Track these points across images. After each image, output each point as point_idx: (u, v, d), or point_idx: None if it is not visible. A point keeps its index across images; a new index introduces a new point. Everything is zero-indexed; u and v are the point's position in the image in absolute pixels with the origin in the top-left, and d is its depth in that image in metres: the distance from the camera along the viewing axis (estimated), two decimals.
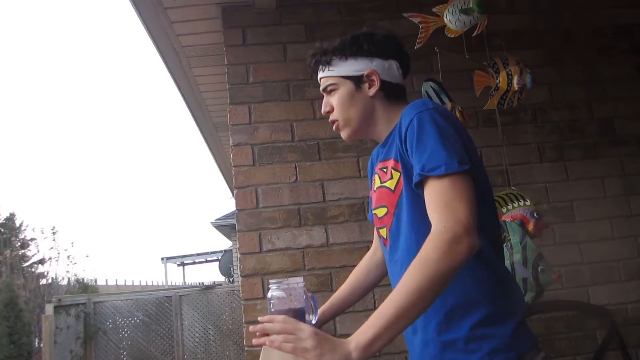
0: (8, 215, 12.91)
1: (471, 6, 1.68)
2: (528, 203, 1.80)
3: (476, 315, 1.01)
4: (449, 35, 1.78)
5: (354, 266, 2.19)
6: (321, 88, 1.23)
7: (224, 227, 11.44)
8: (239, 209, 2.23)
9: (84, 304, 7.40)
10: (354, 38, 1.19)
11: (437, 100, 1.88)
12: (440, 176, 0.96)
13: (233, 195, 2.35)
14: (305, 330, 0.91)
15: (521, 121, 2.42)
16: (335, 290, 2.10)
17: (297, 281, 1.24)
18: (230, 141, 2.29)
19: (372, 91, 1.16)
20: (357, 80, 1.17)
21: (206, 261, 16.73)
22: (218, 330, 7.60)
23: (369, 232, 2.24)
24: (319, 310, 1.39)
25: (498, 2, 2.52)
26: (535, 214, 1.75)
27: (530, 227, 1.73)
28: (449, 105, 1.86)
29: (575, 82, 2.49)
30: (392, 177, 1.13)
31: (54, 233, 11.28)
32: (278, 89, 2.32)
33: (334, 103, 1.20)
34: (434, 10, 1.80)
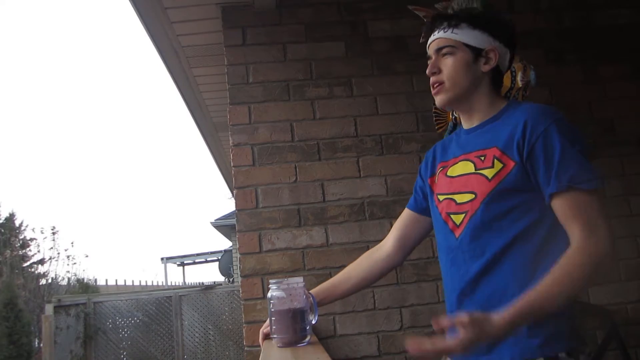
0: (8, 215, 12.90)
1: (475, 5, 1.68)
2: None
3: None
4: None
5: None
6: (434, 48, 1.20)
7: (224, 227, 11.44)
8: (239, 209, 2.23)
9: (84, 304, 7.41)
10: (490, 15, 1.20)
11: None
12: (590, 190, 1.03)
13: (233, 195, 2.35)
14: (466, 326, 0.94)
15: None
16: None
17: (297, 281, 1.24)
18: (230, 141, 2.29)
19: (486, 67, 1.17)
20: (477, 53, 1.17)
21: (206, 261, 16.74)
22: (218, 330, 7.61)
23: (368, 232, 2.24)
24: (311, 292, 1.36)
25: (498, 2, 2.52)
26: None
27: None
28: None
29: (575, 82, 2.49)
30: (492, 167, 1.12)
31: (54, 233, 11.27)
32: (278, 89, 2.32)
33: (445, 64, 1.18)
34: (436, 6, 1.79)
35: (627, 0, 2.58)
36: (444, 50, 1.18)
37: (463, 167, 1.19)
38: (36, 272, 11.63)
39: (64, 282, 10.84)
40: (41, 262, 11.88)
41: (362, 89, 2.34)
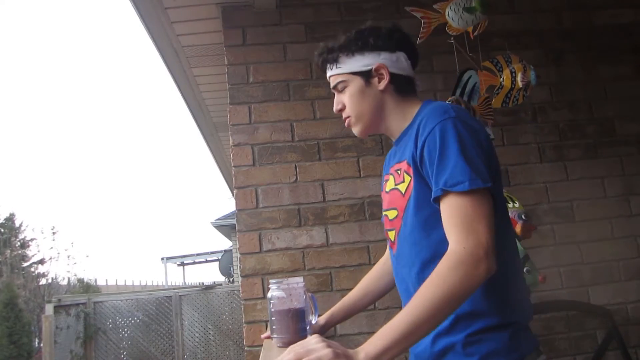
0: (8, 215, 12.90)
1: (474, 5, 1.68)
2: (517, 205, 1.79)
3: (479, 324, 1.01)
4: (450, 32, 1.77)
5: (354, 266, 2.21)
6: (331, 86, 1.22)
7: (224, 227, 11.44)
8: (239, 209, 2.23)
9: (84, 304, 7.41)
10: (359, 33, 1.17)
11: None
12: (462, 192, 0.95)
13: (233, 195, 2.35)
14: (314, 342, 0.91)
15: (521, 121, 2.42)
16: (335, 290, 2.12)
17: (297, 281, 1.24)
18: (230, 141, 2.29)
19: (382, 85, 1.15)
20: (366, 75, 1.15)
21: (206, 261, 16.74)
22: (218, 330, 7.61)
23: (368, 232, 2.24)
24: (329, 312, 1.39)
25: (498, 2, 2.52)
26: (523, 216, 1.75)
27: (518, 229, 1.73)
28: (453, 99, 1.84)
29: (575, 82, 2.49)
30: (403, 181, 1.12)
31: (53, 233, 11.29)
32: (278, 89, 2.32)
33: (345, 100, 1.19)
34: (434, 7, 1.79)
35: (627, 0, 2.58)
36: (339, 86, 1.19)
37: (390, 182, 1.20)
38: (36, 272, 11.64)
39: (64, 282, 10.86)
40: (41, 262, 11.89)
41: None
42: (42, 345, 7.05)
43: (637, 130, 2.48)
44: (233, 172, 2.27)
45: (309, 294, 1.27)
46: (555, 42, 2.52)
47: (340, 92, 1.20)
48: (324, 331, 1.39)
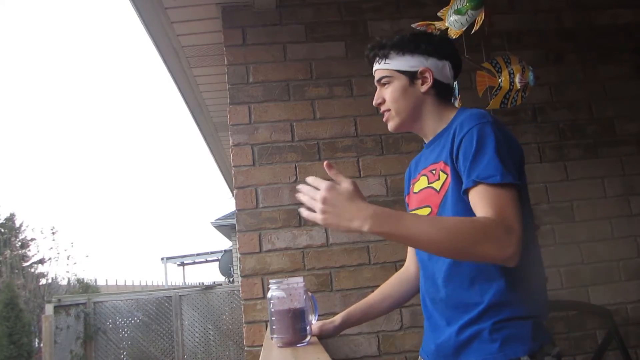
0: (8, 215, 12.90)
1: (465, 4, 1.67)
2: None
3: (506, 313, 1.07)
4: (451, 36, 1.77)
5: (354, 266, 2.21)
6: (375, 79, 1.29)
7: (224, 227, 11.43)
8: (239, 209, 2.23)
9: (84, 304, 7.41)
10: (414, 36, 1.26)
11: None
12: (494, 184, 1.02)
13: (233, 195, 2.35)
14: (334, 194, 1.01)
15: (521, 121, 2.42)
16: (335, 291, 2.12)
17: (297, 281, 1.24)
18: (230, 141, 2.29)
19: (424, 87, 1.22)
20: (411, 76, 1.23)
21: (206, 261, 16.74)
22: (218, 330, 7.61)
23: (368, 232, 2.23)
24: (345, 312, 1.41)
25: (498, 2, 2.52)
26: None
27: None
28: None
29: (575, 82, 2.49)
30: (438, 179, 1.17)
31: (53, 233, 11.29)
32: (278, 89, 2.32)
33: (386, 95, 1.26)
34: (438, 14, 1.80)
35: (627, 0, 2.58)
36: (383, 81, 1.26)
37: (422, 183, 1.25)
38: (36, 272, 11.64)
39: (64, 282, 10.85)
40: (41, 262, 11.89)
41: (362, 89, 2.34)
42: (42, 345, 7.05)
43: (637, 130, 2.48)
44: (233, 172, 2.27)
45: (309, 294, 1.27)
46: (555, 42, 2.52)
47: (383, 86, 1.27)
48: (339, 331, 1.40)
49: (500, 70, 1.84)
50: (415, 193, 1.28)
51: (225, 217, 11.23)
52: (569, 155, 2.42)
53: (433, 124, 1.25)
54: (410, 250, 1.44)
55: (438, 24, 1.78)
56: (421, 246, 1.03)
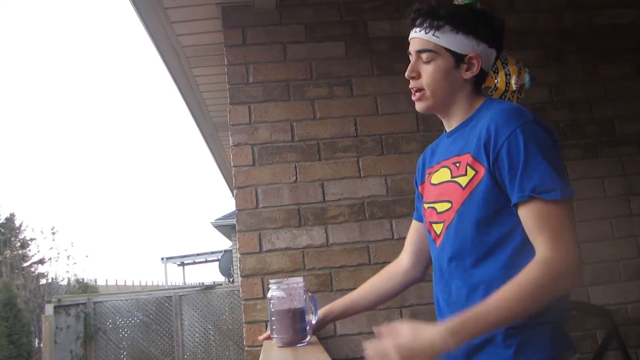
0: (8, 215, 12.92)
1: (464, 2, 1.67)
2: None
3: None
4: None
5: (354, 266, 2.21)
6: (414, 48, 1.15)
7: (224, 227, 11.44)
8: (239, 209, 2.23)
9: (84, 304, 7.41)
10: (473, 14, 1.14)
11: None
12: (554, 201, 0.96)
13: (233, 195, 2.35)
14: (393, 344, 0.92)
15: None
16: (335, 291, 2.11)
17: (297, 281, 1.24)
18: (230, 141, 2.29)
19: (468, 75, 1.12)
20: (459, 58, 1.11)
21: (206, 261, 16.74)
22: (218, 330, 7.61)
23: (368, 232, 2.24)
24: (327, 307, 1.38)
25: (498, 2, 2.52)
26: None
27: None
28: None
29: (575, 82, 2.49)
30: (465, 174, 1.08)
31: (53, 233, 11.31)
32: (278, 89, 2.32)
33: (425, 71, 1.13)
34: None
35: (627, 0, 2.58)
36: (424, 55, 1.13)
37: (442, 174, 1.16)
38: (36, 272, 11.65)
39: (64, 282, 10.86)
40: (41, 262, 11.91)
41: (362, 89, 2.34)
42: (42, 345, 7.05)
43: (637, 130, 2.48)
44: (233, 172, 2.27)
45: (309, 294, 1.27)
46: (555, 42, 2.52)
47: (423, 60, 1.13)
48: (320, 327, 1.38)
49: (497, 70, 1.84)
50: (433, 185, 1.19)
51: (225, 217, 11.24)
52: (569, 155, 2.41)
53: (462, 113, 1.15)
54: (407, 245, 1.38)
55: None
56: (504, 326, 0.98)
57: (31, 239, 12.58)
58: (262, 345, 1.43)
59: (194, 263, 17.28)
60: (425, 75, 1.13)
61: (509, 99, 1.81)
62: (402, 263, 1.37)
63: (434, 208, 1.17)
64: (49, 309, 6.81)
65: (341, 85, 2.34)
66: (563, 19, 2.56)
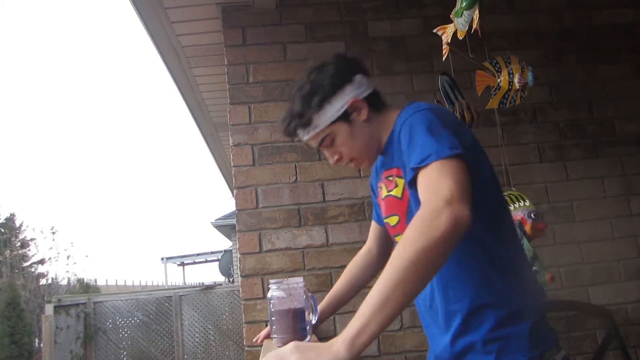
0: (8, 215, 12.93)
1: (460, 5, 1.68)
2: (527, 204, 1.79)
3: (492, 317, 1.01)
4: (459, 37, 1.77)
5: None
6: (316, 145, 1.19)
7: (224, 227, 11.44)
8: (239, 209, 2.23)
9: (84, 304, 7.40)
10: (313, 84, 1.14)
11: (451, 95, 1.89)
12: (430, 165, 0.92)
13: (233, 195, 2.35)
14: (286, 349, 0.84)
15: (521, 121, 2.42)
16: None
17: (297, 281, 1.24)
18: (230, 141, 2.29)
19: (363, 115, 1.14)
20: (346, 116, 1.13)
21: (206, 261, 16.73)
22: (218, 330, 7.60)
23: (368, 232, 2.23)
24: (318, 306, 1.40)
25: (498, 2, 2.52)
26: (532, 215, 1.74)
27: (528, 228, 1.73)
28: (463, 102, 1.86)
29: (575, 82, 2.49)
30: (397, 185, 1.12)
31: (53, 233, 11.31)
32: (278, 89, 2.32)
33: (339, 148, 1.17)
34: (451, 17, 1.80)
35: (627, 0, 2.58)
36: (326, 142, 1.16)
37: (383, 190, 1.19)
38: (36, 272, 11.65)
39: (64, 282, 10.86)
40: (41, 262, 11.91)
41: None
42: (42, 345, 7.05)
43: (637, 130, 2.48)
44: (233, 172, 2.27)
45: (309, 294, 1.27)
46: (555, 42, 2.52)
47: (329, 145, 1.17)
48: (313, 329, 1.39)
49: (499, 70, 1.84)
50: (382, 199, 1.21)
51: (225, 217, 11.23)
52: (569, 155, 2.41)
53: (384, 135, 1.15)
54: (373, 231, 1.43)
55: (449, 27, 1.79)
56: (401, 301, 0.80)
57: (31, 239, 12.59)
58: (262, 345, 1.43)
59: (194, 263, 17.27)
60: (342, 150, 1.17)
61: (512, 97, 1.81)
62: (372, 252, 1.44)
63: (388, 223, 1.21)
64: (49, 309, 6.80)
65: None
66: (563, 19, 2.56)
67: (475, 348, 1.01)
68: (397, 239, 1.20)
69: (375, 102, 1.17)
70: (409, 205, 1.09)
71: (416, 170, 0.94)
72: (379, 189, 1.25)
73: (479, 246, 1.02)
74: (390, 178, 1.15)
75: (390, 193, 1.15)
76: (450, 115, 1.07)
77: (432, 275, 0.83)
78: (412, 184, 0.96)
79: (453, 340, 1.05)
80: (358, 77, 1.16)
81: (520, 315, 1.01)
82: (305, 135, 1.16)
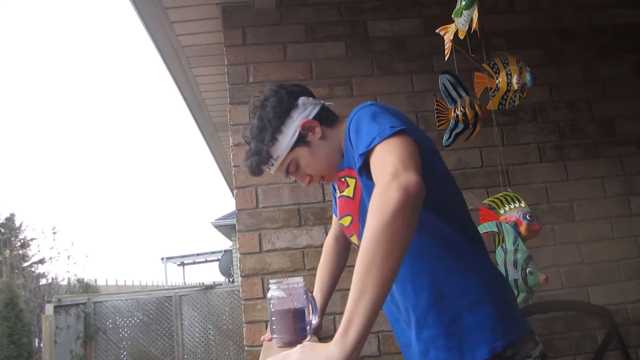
0: (8, 215, 12.93)
1: (460, 5, 1.68)
2: (522, 205, 1.79)
3: (451, 309, 1.00)
4: (460, 37, 1.77)
5: (354, 266, 2.20)
6: (285, 174, 1.24)
7: (224, 227, 11.43)
8: (239, 209, 2.23)
9: (84, 304, 7.40)
10: (260, 121, 1.18)
11: (454, 93, 1.88)
12: (375, 147, 0.93)
13: (233, 195, 2.35)
14: (293, 350, 0.86)
15: (521, 121, 2.42)
16: (335, 291, 2.11)
17: (297, 281, 1.24)
18: (230, 141, 2.29)
19: (318, 133, 1.18)
20: (301, 140, 1.18)
21: (206, 261, 16.73)
22: (218, 330, 7.60)
23: None
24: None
25: (498, 2, 2.52)
26: (527, 216, 1.74)
27: (523, 229, 1.73)
28: (466, 99, 1.85)
29: (575, 82, 2.49)
30: (348, 185, 1.14)
31: (54, 233, 11.30)
32: None
33: (306, 172, 1.21)
34: (452, 16, 1.80)
35: (627, 0, 2.58)
36: (291, 168, 1.21)
37: (338, 192, 1.22)
38: (36, 272, 11.65)
39: (64, 282, 10.85)
40: (41, 262, 11.91)
41: (362, 89, 2.34)
42: (42, 345, 7.05)
43: (637, 130, 2.48)
44: (233, 172, 2.27)
45: (309, 294, 1.27)
46: (555, 42, 2.52)
47: (295, 169, 1.22)
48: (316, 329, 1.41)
49: (498, 71, 1.84)
50: (336, 198, 1.25)
51: (225, 217, 11.23)
52: (569, 155, 2.42)
53: (340, 143, 1.19)
54: (335, 222, 1.47)
55: (450, 27, 1.79)
56: (375, 293, 0.82)
57: (31, 239, 12.60)
58: (262, 345, 1.43)
59: (194, 263, 17.27)
60: (309, 172, 1.21)
61: (511, 98, 1.81)
62: (340, 241, 1.51)
63: (342, 224, 1.23)
64: (49, 308, 6.80)
65: (341, 85, 2.34)
66: (563, 18, 2.56)
67: (438, 344, 1.00)
68: (352, 239, 1.23)
69: (326, 118, 1.21)
70: (361, 203, 1.10)
71: (365, 156, 0.96)
72: (336, 190, 1.28)
73: (432, 236, 1.02)
74: (342, 179, 1.16)
75: (343, 193, 1.17)
76: (397, 111, 1.07)
77: (402, 252, 0.81)
78: (362, 170, 0.99)
79: (416, 336, 1.04)
80: (301, 100, 1.20)
81: (481, 303, 0.99)
82: (271, 169, 1.21)
